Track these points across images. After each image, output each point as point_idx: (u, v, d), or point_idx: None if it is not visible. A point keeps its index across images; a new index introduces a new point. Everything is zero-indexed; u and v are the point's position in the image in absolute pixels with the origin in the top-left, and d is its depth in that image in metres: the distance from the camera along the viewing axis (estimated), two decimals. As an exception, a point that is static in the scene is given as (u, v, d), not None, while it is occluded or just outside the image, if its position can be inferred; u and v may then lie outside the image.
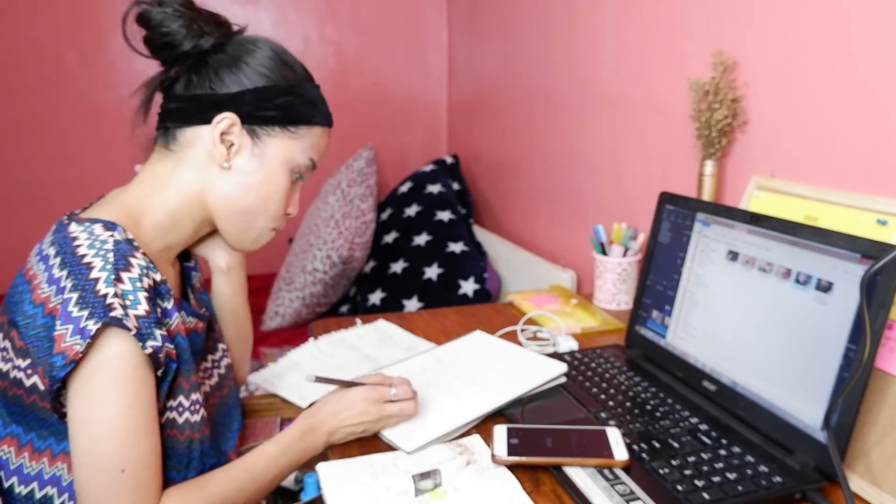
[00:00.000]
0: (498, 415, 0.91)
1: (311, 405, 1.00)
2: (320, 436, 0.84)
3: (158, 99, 0.83)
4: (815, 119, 1.05)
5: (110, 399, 0.68)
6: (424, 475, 0.75)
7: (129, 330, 0.68)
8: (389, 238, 2.16)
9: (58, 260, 0.72)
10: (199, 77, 0.79)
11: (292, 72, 0.83)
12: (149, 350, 0.70)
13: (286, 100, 0.81)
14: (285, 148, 0.82)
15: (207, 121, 0.79)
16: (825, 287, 0.78)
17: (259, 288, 2.45)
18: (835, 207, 0.98)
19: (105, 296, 0.68)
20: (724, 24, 1.21)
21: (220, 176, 0.81)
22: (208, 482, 0.76)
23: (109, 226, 0.74)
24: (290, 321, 2.17)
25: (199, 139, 0.80)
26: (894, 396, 0.73)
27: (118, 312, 0.68)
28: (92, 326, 0.66)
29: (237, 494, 0.77)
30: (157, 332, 0.71)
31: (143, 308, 0.70)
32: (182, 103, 0.80)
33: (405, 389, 0.87)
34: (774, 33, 1.11)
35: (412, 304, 1.95)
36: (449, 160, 2.42)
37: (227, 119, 0.79)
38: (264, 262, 2.64)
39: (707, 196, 1.20)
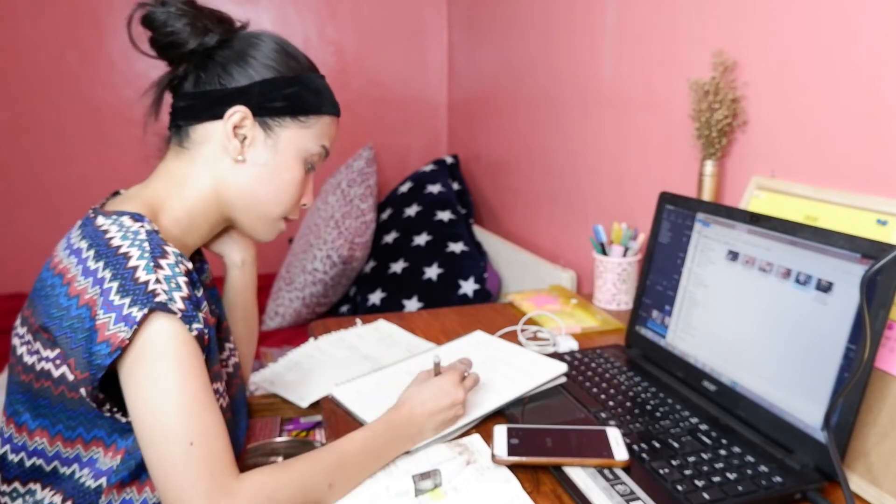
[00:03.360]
0: (498, 415, 0.91)
1: (310, 406, 1.00)
2: (409, 428, 0.81)
3: (168, 99, 0.83)
4: (815, 119, 1.05)
5: (164, 376, 0.67)
6: (424, 475, 0.75)
7: (175, 314, 0.68)
8: (389, 238, 2.16)
9: (91, 252, 0.72)
10: (206, 74, 0.80)
11: (297, 62, 0.84)
12: (194, 332, 0.70)
13: (294, 90, 0.82)
14: (297, 137, 0.83)
15: (219, 116, 0.80)
16: (825, 287, 0.78)
17: (259, 288, 2.44)
18: (835, 207, 0.98)
19: (146, 283, 0.68)
20: (724, 24, 1.21)
21: (235, 169, 0.82)
22: (292, 462, 0.72)
23: (137, 217, 0.75)
24: (290, 321, 2.17)
25: (212, 134, 0.81)
26: (894, 396, 0.73)
27: (163, 297, 0.68)
28: (136, 313, 0.67)
29: (323, 476, 0.73)
30: (200, 315, 0.72)
31: (185, 291, 0.71)
32: (192, 101, 0.80)
33: (467, 361, 0.92)
34: (774, 33, 1.11)
35: (412, 304, 1.95)
36: (449, 160, 2.42)
37: (238, 112, 0.79)
38: (264, 262, 2.64)
39: (707, 196, 1.20)
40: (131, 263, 0.70)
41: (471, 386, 0.89)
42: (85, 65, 2.43)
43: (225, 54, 0.81)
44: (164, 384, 0.68)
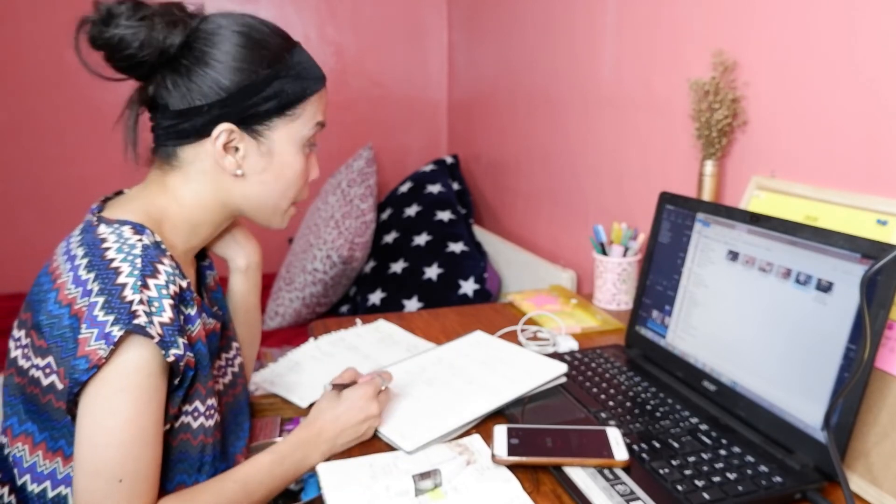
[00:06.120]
0: (498, 415, 0.91)
1: (310, 406, 1.00)
2: (320, 444, 0.82)
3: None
4: (815, 119, 1.05)
5: (119, 408, 0.68)
6: (424, 475, 0.75)
7: (153, 338, 0.68)
8: (389, 238, 2.16)
9: (85, 261, 0.71)
10: (177, 89, 0.75)
11: (266, 49, 0.77)
12: (171, 358, 0.70)
13: (273, 88, 0.77)
14: (289, 131, 0.80)
15: (204, 134, 0.77)
16: (825, 287, 0.78)
17: (259, 288, 2.44)
18: (835, 207, 0.98)
19: (131, 302, 0.68)
20: (724, 24, 1.21)
21: (235, 182, 0.80)
22: (200, 495, 0.74)
23: (139, 228, 0.74)
24: (290, 321, 2.17)
25: (202, 152, 0.78)
26: (894, 396, 0.73)
27: (142, 320, 0.68)
28: (116, 332, 0.66)
29: None
30: (180, 341, 0.71)
31: (167, 315, 0.70)
32: (172, 120, 0.77)
33: (387, 376, 0.89)
34: (774, 33, 1.11)
35: (412, 304, 1.95)
36: (449, 160, 2.42)
37: (224, 132, 0.77)
38: (264, 262, 2.61)
39: (707, 196, 1.20)
40: (120, 280, 0.69)
41: (387, 400, 0.88)
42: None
43: (191, 62, 0.75)
44: (115, 418, 0.68)
